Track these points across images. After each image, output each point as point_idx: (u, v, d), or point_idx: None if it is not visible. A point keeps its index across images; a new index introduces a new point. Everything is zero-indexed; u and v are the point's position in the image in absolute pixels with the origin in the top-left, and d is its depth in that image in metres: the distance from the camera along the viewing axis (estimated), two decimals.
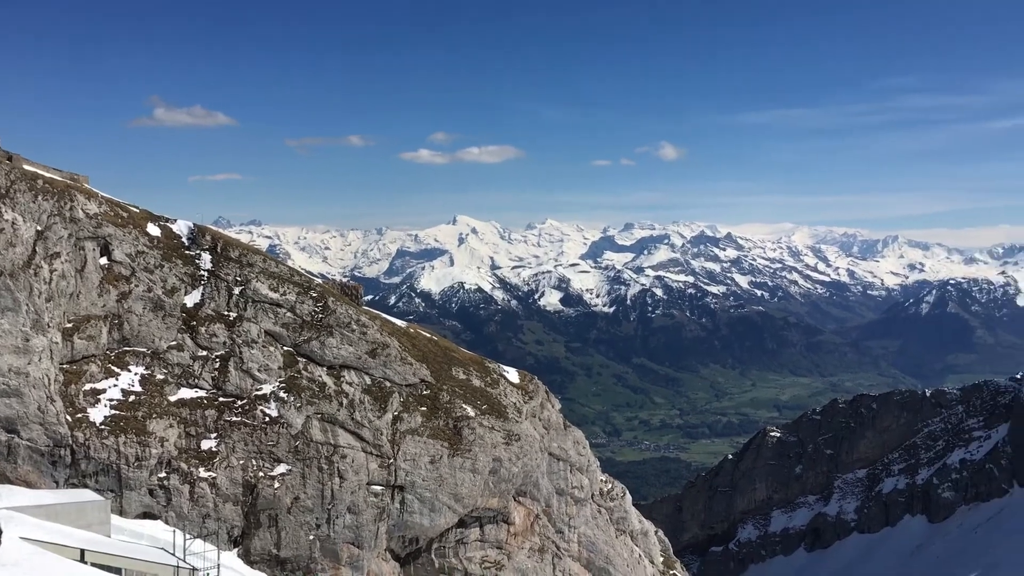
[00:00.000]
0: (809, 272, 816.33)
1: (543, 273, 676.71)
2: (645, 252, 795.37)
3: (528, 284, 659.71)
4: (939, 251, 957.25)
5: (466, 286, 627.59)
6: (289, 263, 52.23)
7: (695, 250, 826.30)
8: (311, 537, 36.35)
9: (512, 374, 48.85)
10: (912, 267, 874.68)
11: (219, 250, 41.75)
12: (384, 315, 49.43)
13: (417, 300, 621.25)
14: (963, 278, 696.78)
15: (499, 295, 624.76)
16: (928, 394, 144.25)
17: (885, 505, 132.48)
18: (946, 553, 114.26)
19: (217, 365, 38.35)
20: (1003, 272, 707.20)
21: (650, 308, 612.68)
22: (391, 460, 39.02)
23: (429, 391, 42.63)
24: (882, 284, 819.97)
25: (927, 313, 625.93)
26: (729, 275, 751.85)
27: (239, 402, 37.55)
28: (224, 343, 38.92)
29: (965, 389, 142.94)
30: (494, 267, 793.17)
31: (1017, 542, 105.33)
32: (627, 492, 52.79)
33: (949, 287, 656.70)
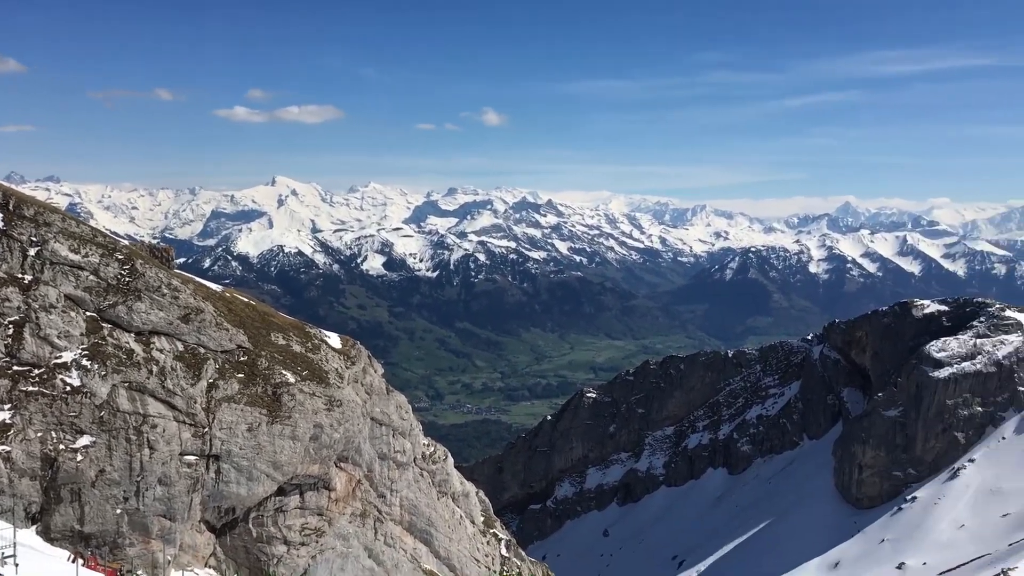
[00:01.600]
0: (625, 239, 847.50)
1: (366, 237, 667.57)
2: (468, 217, 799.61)
3: (351, 248, 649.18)
4: (742, 220, 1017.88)
5: (286, 249, 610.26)
6: (92, 223, 48.85)
7: (517, 216, 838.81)
8: (118, 511, 34.60)
9: (334, 339, 48.10)
10: (718, 235, 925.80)
11: (11, 208, 38.50)
12: (198, 279, 47.35)
13: (234, 264, 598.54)
14: (763, 246, 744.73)
15: (320, 259, 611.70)
16: (730, 355, 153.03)
17: (691, 459, 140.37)
18: (744, 501, 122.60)
19: (11, 332, 35.56)
20: (797, 241, 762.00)
21: (473, 273, 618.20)
22: (206, 429, 37.64)
23: (247, 357, 41.29)
24: (691, 251, 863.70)
25: (731, 279, 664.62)
26: (550, 241, 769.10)
27: (36, 371, 35.05)
28: (18, 308, 36.10)
29: (763, 350, 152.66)
30: (315, 230, 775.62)
31: (806, 488, 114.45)
32: (449, 455, 53.40)
33: (750, 255, 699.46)
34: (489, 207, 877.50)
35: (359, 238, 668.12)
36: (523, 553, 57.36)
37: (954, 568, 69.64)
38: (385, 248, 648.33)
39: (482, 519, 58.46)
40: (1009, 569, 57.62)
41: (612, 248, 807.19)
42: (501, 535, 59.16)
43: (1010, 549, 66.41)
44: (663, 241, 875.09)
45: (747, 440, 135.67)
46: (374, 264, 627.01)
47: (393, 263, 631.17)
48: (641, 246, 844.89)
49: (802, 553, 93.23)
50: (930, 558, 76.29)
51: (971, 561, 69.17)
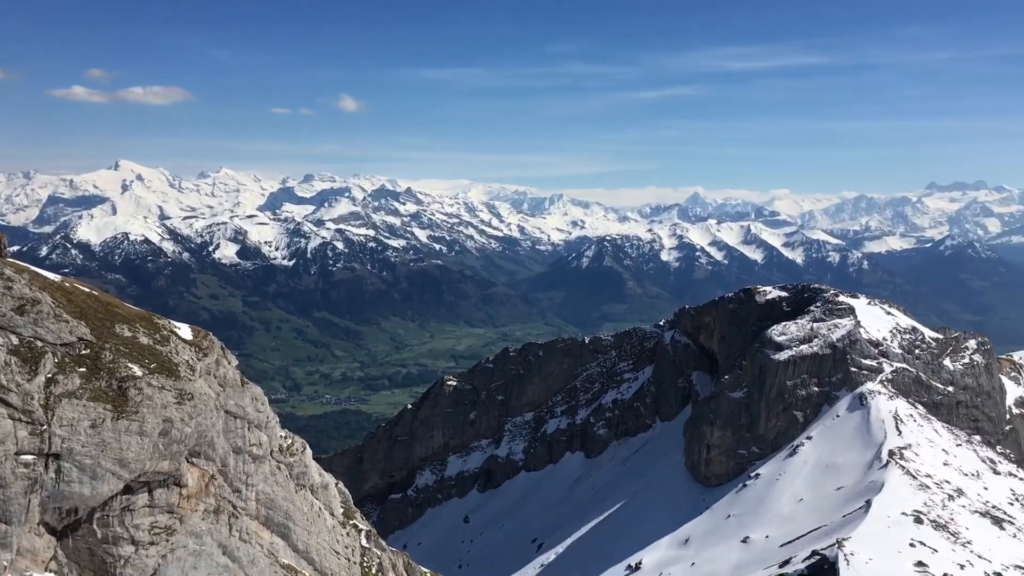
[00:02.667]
0: (484, 227, 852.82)
1: (218, 224, 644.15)
2: (326, 205, 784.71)
3: (202, 236, 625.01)
4: (598, 209, 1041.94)
5: (131, 237, 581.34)
6: None
7: (376, 204, 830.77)
8: None
9: (184, 330, 46.17)
10: (575, 224, 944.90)
11: None
12: (34, 268, 44.45)
13: (74, 252, 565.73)
14: (617, 235, 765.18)
15: (169, 247, 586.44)
16: (587, 341, 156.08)
17: (549, 444, 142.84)
18: (600, 484, 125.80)
19: None
20: (650, 229, 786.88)
21: (331, 261, 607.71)
22: (44, 427, 35.50)
23: (89, 350, 39.12)
24: (549, 240, 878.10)
25: (587, 267, 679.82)
26: (409, 229, 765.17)
27: None
28: None
29: (617, 336, 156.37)
30: (163, 217, 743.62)
31: (658, 469, 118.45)
32: (307, 447, 52.35)
33: (606, 243, 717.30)
34: (347, 195, 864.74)
35: (211, 225, 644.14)
36: (383, 543, 56.96)
37: (794, 539, 73.66)
38: (239, 236, 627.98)
39: (342, 511, 57.70)
40: (843, 539, 61.48)
41: (472, 237, 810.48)
42: (361, 526, 58.55)
43: (844, 520, 70.83)
44: (522, 230, 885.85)
45: (603, 424, 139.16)
46: (227, 252, 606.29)
47: (247, 251, 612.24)
48: (500, 234, 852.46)
49: (655, 531, 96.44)
50: (772, 531, 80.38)
51: (809, 532, 73.36)
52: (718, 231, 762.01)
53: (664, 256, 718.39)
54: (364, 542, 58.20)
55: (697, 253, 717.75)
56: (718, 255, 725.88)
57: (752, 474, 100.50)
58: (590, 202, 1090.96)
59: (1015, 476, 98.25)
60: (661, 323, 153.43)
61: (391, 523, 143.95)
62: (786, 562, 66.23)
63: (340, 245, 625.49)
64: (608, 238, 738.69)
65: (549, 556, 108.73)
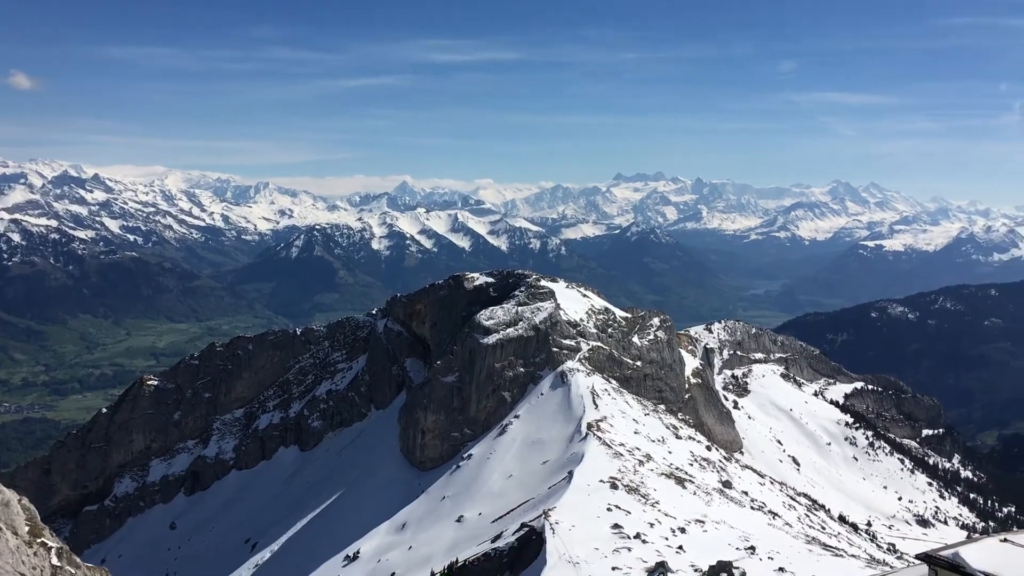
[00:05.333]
0: (184, 217, 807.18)
1: None
2: None
3: None
4: (306, 198, 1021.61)
5: None
6: None
7: (58, 192, 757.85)
8: None
9: None
10: (283, 213, 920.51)
11: None
12: None
13: None
14: (327, 224, 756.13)
15: None
16: (299, 332, 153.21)
17: (262, 440, 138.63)
18: (316, 476, 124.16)
19: None
20: (360, 219, 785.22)
21: (6, 255, 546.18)
22: None
23: None
24: (255, 229, 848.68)
25: (296, 256, 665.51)
26: (98, 219, 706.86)
27: None
28: None
29: (330, 326, 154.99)
30: None
31: (375, 457, 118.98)
32: None
33: (315, 232, 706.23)
34: (23, 181, 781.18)
35: None
36: (77, 559, 52.41)
37: (505, 514, 77.11)
38: None
39: (27, 528, 52.45)
40: (549, 509, 65.24)
41: (170, 227, 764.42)
42: (51, 543, 53.55)
43: (549, 492, 75.26)
44: (226, 219, 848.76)
45: (318, 416, 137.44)
46: None
47: None
48: (203, 224, 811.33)
49: (372, 519, 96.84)
50: (485, 508, 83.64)
51: (519, 506, 77.17)
52: (427, 220, 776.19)
53: (375, 245, 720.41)
54: (55, 560, 53.24)
55: (408, 241, 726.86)
56: (428, 243, 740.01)
57: (465, 455, 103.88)
58: (298, 191, 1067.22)
59: (694, 439, 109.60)
60: (374, 312, 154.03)
61: (86, 537, 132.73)
62: (498, 536, 69.23)
63: (16, 237, 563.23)
64: (318, 227, 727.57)
65: (264, 555, 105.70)
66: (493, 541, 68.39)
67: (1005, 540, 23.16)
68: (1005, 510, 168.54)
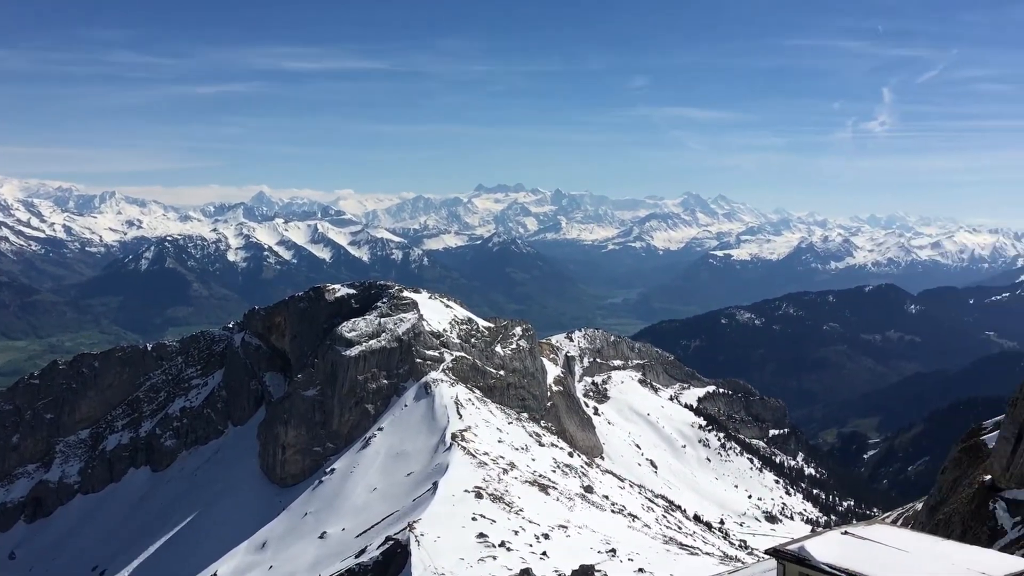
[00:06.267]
0: (22, 228, 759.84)
1: None
2: None
3: None
4: (156, 208, 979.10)
5: None
6: None
7: None
8: None
9: None
10: (131, 224, 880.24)
11: None
12: None
13: None
14: (179, 235, 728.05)
15: None
16: (150, 348, 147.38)
17: (110, 462, 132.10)
18: (170, 498, 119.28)
19: None
20: (215, 230, 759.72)
21: None
22: None
23: None
24: (101, 241, 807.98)
25: (147, 269, 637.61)
26: None
27: None
28: None
29: (184, 340, 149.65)
30: None
31: (233, 475, 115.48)
32: None
33: (167, 243, 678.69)
34: None
35: None
36: None
37: (369, 528, 76.41)
38: None
39: None
40: (414, 521, 65.11)
41: (6, 238, 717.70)
42: None
43: (414, 503, 75.06)
44: (68, 230, 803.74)
45: (171, 434, 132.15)
46: None
47: None
48: (42, 235, 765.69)
49: (231, 539, 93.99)
50: (348, 523, 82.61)
51: (384, 519, 76.60)
52: (286, 230, 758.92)
53: (231, 256, 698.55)
54: None
55: (265, 253, 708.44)
56: (287, 254, 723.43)
57: (328, 470, 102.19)
58: (147, 200, 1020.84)
59: (556, 446, 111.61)
60: (230, 325, 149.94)
61: None
62: (362, 551, 68.50)
63: None
64: (169, 238, 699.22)
65: None
66: (357, 556, 67.70)
67: (846, 533, 24.72)
68: (845, 504, 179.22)
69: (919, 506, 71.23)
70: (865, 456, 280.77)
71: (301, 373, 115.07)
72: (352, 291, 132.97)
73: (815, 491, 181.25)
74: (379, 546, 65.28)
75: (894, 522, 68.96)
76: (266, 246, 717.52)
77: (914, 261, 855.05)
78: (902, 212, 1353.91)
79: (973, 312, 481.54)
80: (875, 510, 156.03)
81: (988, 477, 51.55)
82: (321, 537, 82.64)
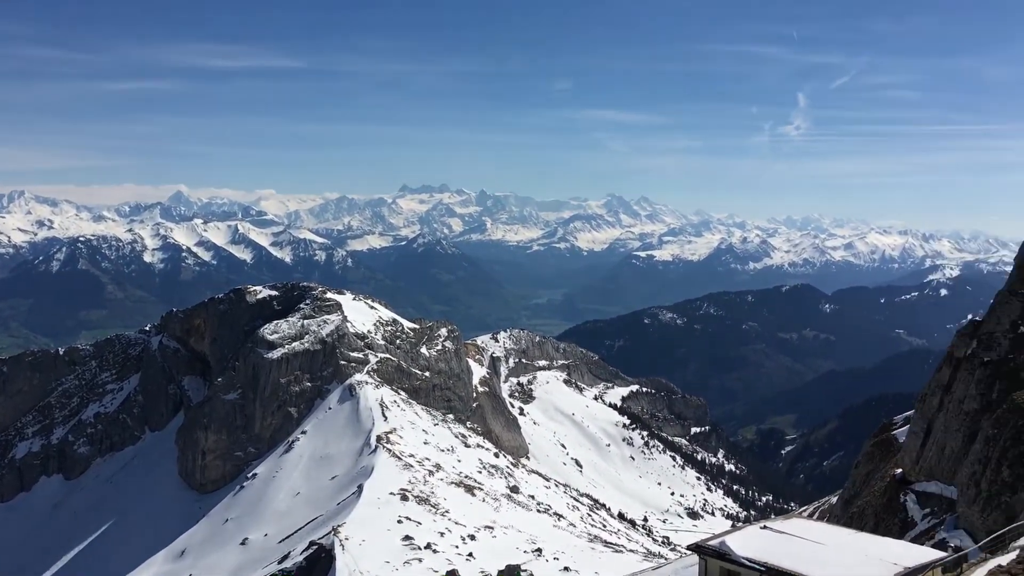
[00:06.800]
0: None
1: None
2: None
3: None
4: (68, 208, 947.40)
5: None
6: None
7: None
8: None
9: None
10: (41, 224, 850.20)
11: None
12: None
13: None
14: (93, 235, 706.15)
15: None
16: (61, 352, 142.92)
17: (19, 470, 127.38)
18: (83, 506, 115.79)
19: None
20: (131, 230, 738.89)
21: None
22: None
23: None
24: (10, 241, 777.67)
25: (58, 271, 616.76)
26: None
27: None
28: None
29: (98, 344, 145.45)
30: None
31: (150, 481, 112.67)
32: None
33: (79, 244, 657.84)
34: None
35: None
36: None
37: (293, 533, 75.34)
38: None
39: None
40: (339, 525, 64.42)
41: None
42: None
43: (338, 507, 74.25)
44: None
45: (85, 441, 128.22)
46: None
47: None
48: None
49: (148, 548, 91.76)
50: (271, 529, 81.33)
51: (307, 524, 75.60)
52: (205, 231, 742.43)
53: (148, 257, 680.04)
54: None
55: (184, 254, 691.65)
56: (206, 255, 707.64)
57: (249, 475, 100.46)
58: (59, 200, 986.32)
59: (482, 447, 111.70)
60: (147, 328, 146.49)
61: None
62: (285, 557, 67.48)
63: None
64: (82, 239, 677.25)
65: None
66: (280, 562, 66.70)
67: (764, 527, 25.40)
68: (764, 499, 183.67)
69: (834, 500, 73.57)
70: (783, 452, 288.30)
71: (222, 376, 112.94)
72: (274, 293, 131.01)
73: (735, 487, 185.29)
74: (303, 551, 64.40)
75: (811, 516, 71.04)
76: (184, 247, 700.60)
77: (828, 261, 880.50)
78: (817, 214, 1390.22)
79: (884, 311, 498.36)
80: (792, 504, 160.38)
81: (899, 471, 53.49)
82: (243, 544, 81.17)
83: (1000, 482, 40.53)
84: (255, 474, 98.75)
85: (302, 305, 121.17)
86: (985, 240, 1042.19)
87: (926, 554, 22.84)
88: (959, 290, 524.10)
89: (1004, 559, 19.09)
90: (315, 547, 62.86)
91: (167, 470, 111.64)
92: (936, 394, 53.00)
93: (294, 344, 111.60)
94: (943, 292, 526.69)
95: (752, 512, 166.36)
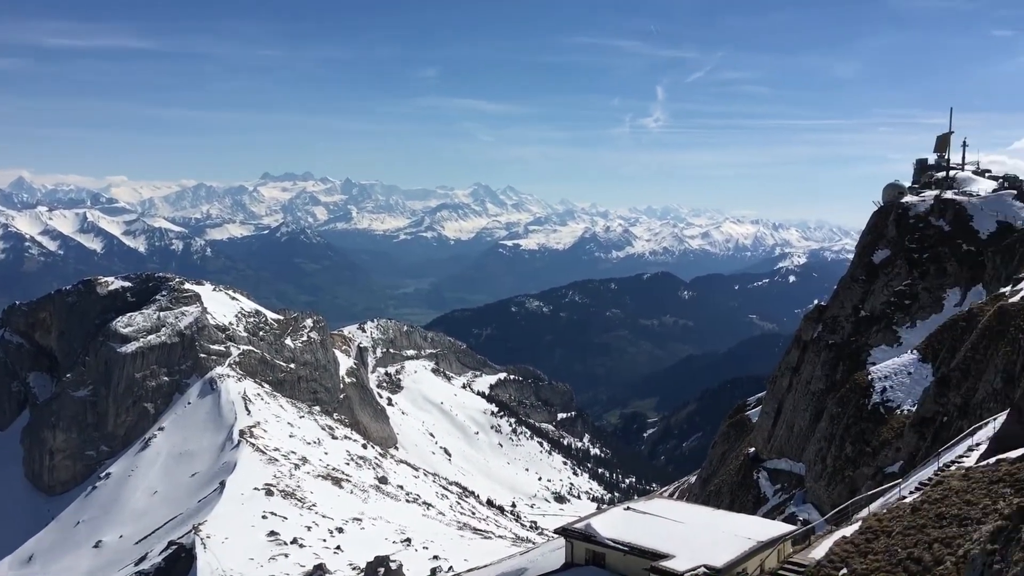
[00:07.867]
0: None
1: None
2: None
3: None
4: None
5: None
6: None
7: None
8: None
9: None
10: None
11: None
12: None
13: None
14: None
15: None
16: None
17: None
18: None
19: None
20: None
21: None
22: None
23: None
24: None
25: None
26: None
27: None
28: None
29: None
30: None
31: None
32: None
33: None
34: None
35: None
36: None
37: (150, 534, 72.67)
38: None
39: None
40: (200, 523, 62.58)
41: None
42: None
43: (199, 505, 72.04)
44: None
45: None
46: None
47: None
48: None
49: None
50: (127, 530, 78.20)
51: (166, 523, 73.03)
52: (50, 219, 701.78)
53: None
54: None
55: (27, 244, 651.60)
56: (52, 245, 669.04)
57: (102, 474, 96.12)
58: None
59: (350, 439, 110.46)
60: None
61: None
62: (143, 558, 65.02)
63: None
64: None
65: None
66: (137, 564, 64.30)
67: (628, 508, 26.22)
68: (628, 481, 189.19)
69: (693, 479, 76.60)
70: (645, 435, 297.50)
71: (71, 372, 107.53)
72: (128, 284, 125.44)
73: (600, 470, 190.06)
74: (161, 552, 62.23)
75: (671, 495, 73.69)
76: (28, 236, 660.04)
77: (687, 250, 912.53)
78: (676, 204, 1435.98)
79: (738, 297, 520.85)
80: (654, 485, 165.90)
81: (752, 450, 56.11)
82: (96, 546, 77.68)
83: (843, 458, 43.24)
84: (109, 473, 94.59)
85: (158, 296, 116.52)
86: (829, 229, 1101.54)
87: (777, 528, 24.09)
88: (806, 276, 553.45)
89: (848, 530, 20.34)
90: (175, 547, 60.88)
91: (12, 472, 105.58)
92: (786, 375, 56.04)
93: (150, 337, 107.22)
94: (791, 279, 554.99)
95: (616, 494, 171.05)
